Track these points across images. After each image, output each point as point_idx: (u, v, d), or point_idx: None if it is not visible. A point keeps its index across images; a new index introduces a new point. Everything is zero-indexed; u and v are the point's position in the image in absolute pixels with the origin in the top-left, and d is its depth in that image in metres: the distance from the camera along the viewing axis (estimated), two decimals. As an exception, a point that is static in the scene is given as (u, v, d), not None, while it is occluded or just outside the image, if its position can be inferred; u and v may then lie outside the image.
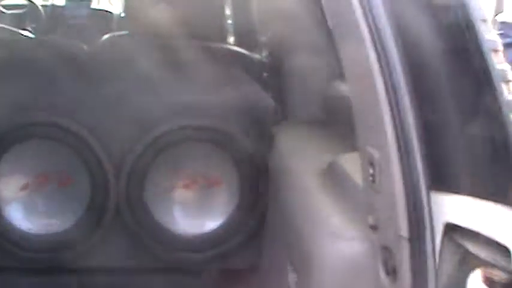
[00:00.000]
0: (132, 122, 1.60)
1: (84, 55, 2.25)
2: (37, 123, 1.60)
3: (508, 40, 2.71)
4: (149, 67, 1.94)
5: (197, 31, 2.22)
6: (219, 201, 1.68)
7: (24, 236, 1.64)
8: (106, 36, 2.75)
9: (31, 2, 3.90)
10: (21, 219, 1.65)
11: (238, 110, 1.64)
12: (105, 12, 4.03)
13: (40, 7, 3.95)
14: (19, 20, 3.70)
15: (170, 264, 1.70)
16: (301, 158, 1.53)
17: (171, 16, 2.19)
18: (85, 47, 2.34)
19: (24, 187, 1.65)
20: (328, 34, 1.79)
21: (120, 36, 2.42)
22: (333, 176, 1.28)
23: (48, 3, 4.07)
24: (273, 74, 2.05)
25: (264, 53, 2.15)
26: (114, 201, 1.61)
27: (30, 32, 3.42)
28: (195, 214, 1.68)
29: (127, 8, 2.29)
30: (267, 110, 1.66)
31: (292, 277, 1.37)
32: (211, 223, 1.68)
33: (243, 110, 1.65)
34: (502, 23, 3.14)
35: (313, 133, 1.68)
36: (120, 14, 4.09)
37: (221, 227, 1.67)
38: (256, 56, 2.22)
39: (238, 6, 2.41)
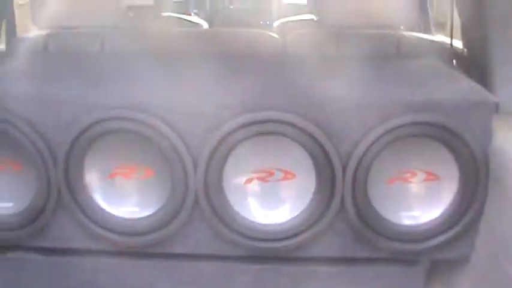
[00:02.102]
0: (359, 115, 1.66)
1: (278, 48, 2.35)
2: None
3: None
4: (355, 60, 1.99)
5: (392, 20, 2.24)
6: (437, 194, 1.72)
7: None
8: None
9: (195, -11, 4.09)
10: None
11: (459, 106, 1.65)
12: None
13: (204, -7, 4.13)
14: (184, 7, 3.88)
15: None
16: None
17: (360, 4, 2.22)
18: (276, 38, 2.44)
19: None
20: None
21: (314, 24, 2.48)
22: None
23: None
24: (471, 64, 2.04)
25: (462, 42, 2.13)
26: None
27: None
28: (415, 207, 1.73)
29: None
30: (488, 104, 1.66)
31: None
32: (428, 215, 1.72)
33: (464, 105, 1.65)
34: None
35: None
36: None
37: (438, 219, 1.71)
38: (455, 45, 2.21)
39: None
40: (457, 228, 1.71)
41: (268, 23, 3.78)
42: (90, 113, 1.66)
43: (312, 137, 1.64)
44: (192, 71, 1.96)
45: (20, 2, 3.41)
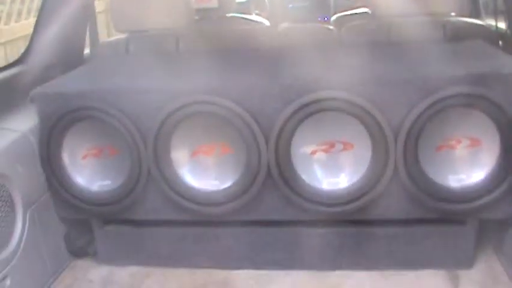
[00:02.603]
0: (407, 90, 1.87)
1: (335, 38, 2.59)
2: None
3: None
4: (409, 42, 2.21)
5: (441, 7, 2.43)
6: (481, 158, 1.91)
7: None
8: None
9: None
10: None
11: (500, 78, 1.84)
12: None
13: (262, -6, 4.41)
14: (245, 8, 4.15)
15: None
16: None
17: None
18: (332, 29, 2.67)
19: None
20: None
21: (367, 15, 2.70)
22: None
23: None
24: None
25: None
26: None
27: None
28: (461, 170, 1.93)
29: None
30: None
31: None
32: (474, 178, 1.92)
33: (504, 77, 1.84)
34: None
35: None
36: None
37: (483, 181, 1.90)
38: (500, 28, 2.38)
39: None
40: (500, 189, 1.89)
41: (326, 18, 3.99)
42: (175, 99, 1.95)
43: (367, 111, 1.86)
44: (259, 62, 2.23)
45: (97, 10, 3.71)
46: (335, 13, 3.84)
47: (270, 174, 1.97)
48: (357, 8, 3.46)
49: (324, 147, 1.98)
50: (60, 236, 2.20)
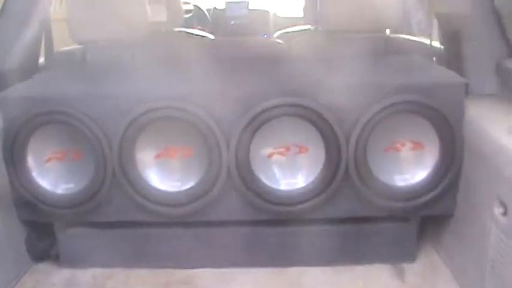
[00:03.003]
0: (357, 97, 2.04)
1: (284, 50, 2.76)
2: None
3: None
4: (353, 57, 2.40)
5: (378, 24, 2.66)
6: (423, 160, 2.11)
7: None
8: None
9: (197, 7, 4.49)
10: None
11: (439, 87, 2.05)
12: (263, 12, 4.54)
13: (205, 11, 4.54)
14: (189, 23, 4.27)
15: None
16: (490, 122, 1.95)
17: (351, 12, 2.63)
18: (281, 43, 2.84)
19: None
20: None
21: (312, 31, 2.89)
22: None
23: (211, 7, 4.65)
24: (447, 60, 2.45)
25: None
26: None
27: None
28: (405, 171, 2.12)
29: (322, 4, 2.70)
30: (461, 86, 2.06)
31: (498, 211, 1.77)
32: (416, 177, 2.11)
33: (442, 86, 2.06)
34: None
35: (495, 103, 2.08)
36: (276, 13, 4.63)
37: (425, 180, 2.10)
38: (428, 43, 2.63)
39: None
40: (440, 188, 2.10)
41: (265, 35, 4.18)
42: (141, 104, 2.04)
43: (321, 116, 2.03)
44: (218, 71, 2.35)
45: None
46: (275, 31, 4.05)
47: (230, 175, 2.10)
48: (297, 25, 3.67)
49: (280, 150, 2.13)
50: (21, 239, 2.22)
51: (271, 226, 2.20)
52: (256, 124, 2.05)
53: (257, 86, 2.11)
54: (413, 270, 2.19)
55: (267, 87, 2.09)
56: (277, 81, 2.16)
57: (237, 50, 2.79)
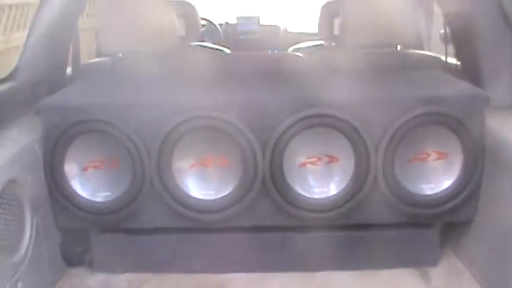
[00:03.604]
0: (384, 109, 2.15)
1: (307, 64, 2.86)
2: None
3: None
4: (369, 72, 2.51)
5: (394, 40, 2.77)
6: (447, 169, 2.21)
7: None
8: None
9: (210, 22, 4.59)
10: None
11: (461, 99, 2.16)
12: (273, 27, 4.65)
13: (217, 25, 4.64)
14: (201, 37, 4.37)
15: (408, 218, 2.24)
16: (510, 131, 2.06)
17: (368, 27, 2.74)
18: (302, 56, 2.94)
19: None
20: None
21: (331, 46, 3.01)
22: None
23: (223, 22, 4.76)
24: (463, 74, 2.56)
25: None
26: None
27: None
28: (430, 180, 2.22)
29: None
30: (482, 98, 2.17)
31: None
32: (441, 186, 2.21)
33: (465, 99, 2.17)
34: None
35: None
36: (286, 28, 4.75)
37: (448, 189, 2.20)
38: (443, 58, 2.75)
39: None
40: (462, 196, 2.20)
41: (276, 50, 4.29)
42: (181, 113, 2.12)
43: (353, 127, 2.13)
44: (246, 83, 2.45)
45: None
46: (285, 46, 4.16)
47: (264, 184, 2.18)
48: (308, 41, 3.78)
49: (312, 159, 2.22)
50: (56, 244, 2.28)
51: (300, 232, 2.29)
52: (290, 134, 2.14)
53: (288, 98, 2.21)
54: (437, 273, 2.28)
55: (298, 98, 2.19)
56: (307, 93, 2.26)
57: (260, 64, 2.89)
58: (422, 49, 3.31)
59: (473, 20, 2.42)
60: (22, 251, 1.99)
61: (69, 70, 2.87)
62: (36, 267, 2.08)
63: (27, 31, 2.54)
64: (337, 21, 2.85)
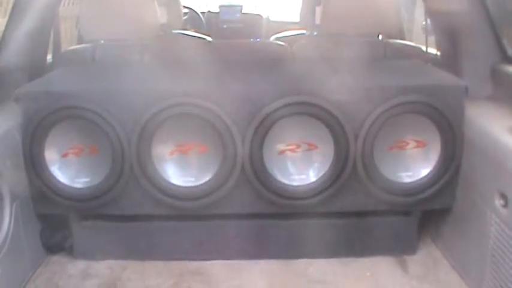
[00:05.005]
0: (364, 98, 2.16)
1: (288, 52, 2.86)
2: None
3: None
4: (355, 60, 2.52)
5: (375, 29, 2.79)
6: (425, 157, 2.23)
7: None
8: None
9: (192, 10, 4.57)
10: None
11: (441, 89, 2.18)
12: (256, 16, 4.65)
13: (200, 14, 4.62)
14: (183, 26, 4.35)
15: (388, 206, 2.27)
16: (489, 121, 2.08)
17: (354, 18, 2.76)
18: (285, 45, 2.95)
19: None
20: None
21: (313, 35, 3.01)
22: None
23: (205, 10, 4.74)
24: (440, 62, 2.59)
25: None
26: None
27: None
28: (409, 168, 2.24)
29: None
30: (461, 88, 2.20)
31: (498, 203, 1.90)
32: (419, 174, 2.24)
33: (444, 88, 2.19)
34: None
35: (491, 105, 2.22)
36: (268, 17, 4.75)
37: (427, 176, 2.23)
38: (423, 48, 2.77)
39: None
40: (441, 183, 2.22)
41: (258, 39, 4.28)
42: (161, 100, 2.12)
43: (333, 115, 2.14)
44: (227, 71, 2.45)
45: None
46: (267, 35, 4.15)
47: (244, 171, 2.19)
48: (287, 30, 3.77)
49: (291, 147, 2.23)
50: (36, 232, 2.27)
51: (279, 219, 2.30)
52: (270, 121, 2.15)
53: (269, 85, 2.22)
54: (415, 261, 2.31)
55: (278, 87, 2.20)
56: (287, 81, 2.27)
57: (242, 52, 2.89)
58: (404, 39, 3.33)
59: (454, 11, 2.44)
60: (1, 238, 1.98)
61: (50, 57, 2.86)
62: (16, 254, 2.08)
63: (7, 18, 2.52)
64: (318, 11, 2.86)
